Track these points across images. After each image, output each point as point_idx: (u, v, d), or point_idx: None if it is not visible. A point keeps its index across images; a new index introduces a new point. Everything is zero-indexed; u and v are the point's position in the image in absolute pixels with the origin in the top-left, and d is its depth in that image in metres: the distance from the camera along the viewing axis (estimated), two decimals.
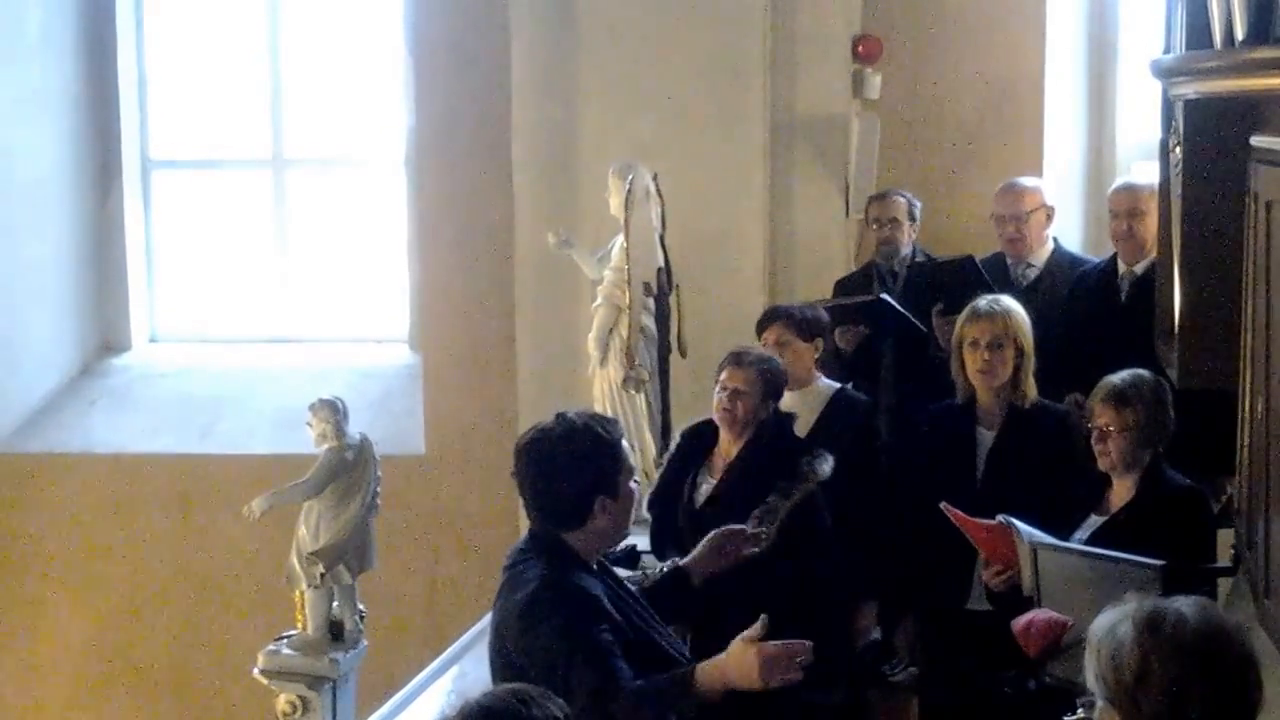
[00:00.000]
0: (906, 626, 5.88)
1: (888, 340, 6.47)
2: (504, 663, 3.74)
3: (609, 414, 6.08)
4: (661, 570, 4.34)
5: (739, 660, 3.57)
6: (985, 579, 4.77)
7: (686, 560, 4.26)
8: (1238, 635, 2.51)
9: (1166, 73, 3.98)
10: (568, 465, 3.74)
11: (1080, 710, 3.75)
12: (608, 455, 3.76)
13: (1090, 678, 2.53)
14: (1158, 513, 4.60)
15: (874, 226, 6.88)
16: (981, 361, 5.28)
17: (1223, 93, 3.53)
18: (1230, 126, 3.66)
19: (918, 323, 6.31)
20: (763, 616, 3.61)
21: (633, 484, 3.84)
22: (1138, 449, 4.69)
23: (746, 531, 4.37)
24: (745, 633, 3.59)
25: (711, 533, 4.31)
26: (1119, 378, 4.73)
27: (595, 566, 3.84)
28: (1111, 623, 2.51)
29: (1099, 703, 2.52)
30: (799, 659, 3.57)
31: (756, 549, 4.39)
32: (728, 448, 5.28)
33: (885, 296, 6.45)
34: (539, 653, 3.62)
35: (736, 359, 5.26)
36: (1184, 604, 2.51)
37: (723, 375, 5.24)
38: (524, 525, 7.70)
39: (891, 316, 6.32)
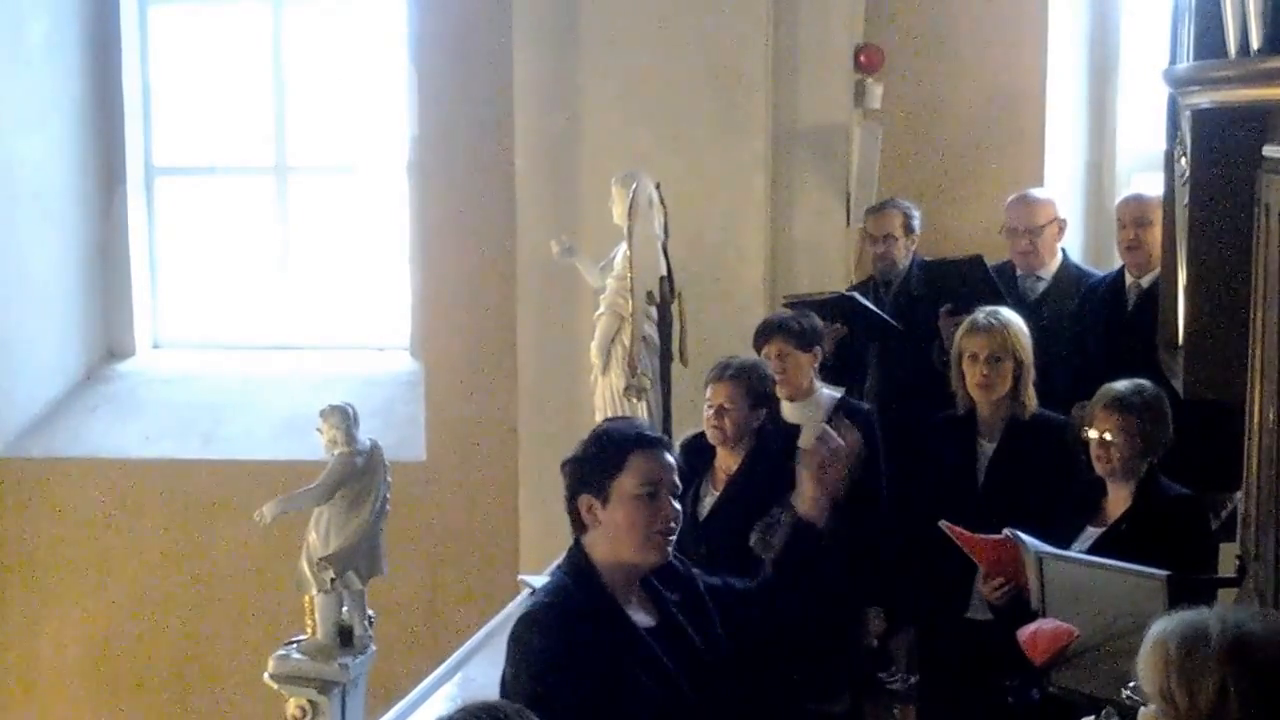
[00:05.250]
0: (904, 634, 5.89)
1: (870, 346, 6.48)
2: None
3: None
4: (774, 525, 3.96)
5: None
6: (984, 593, 4.76)
7: (800, 509, 3.73)
8: None
9: (1179, 81, 3.96)
10: (568, 462, 3.51)
11: (1103, 714, 3.76)
12: (599, 456, 3.42)
13: (1146, 685, 2.50)
14: (1158, 521, 4.61)
15: (869, 242, 6.89)
16: (980, 375, 5.28)
17: (1235, 102, 3.52)
18: (1240, 136, 3.64)
19: (891, 320, 6.31)
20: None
21: (652, 497, 3.38)
22: (1137, 457, 4.70)
23: (830, 438, 3.73)
24: None
25: (800, 467, 3.75)
26: (1121, 385, 4.75)
27: (630, 587, 3.46)
28: (1181, 636, 2.48)
29: (1148, 709, 2.51)
30: None
31: (859, 450, 3.82)
32: (727, 460, 5.24)
33: (853, 293, 6.43)
34: (507, 682, 3.40)
35: (719, 373, 5.19)
36: (1262, 626, 2.51)
37: (708, 392, 5.19)
38: (524, 532, 7.74)
39: (860, 314, 6.31)
